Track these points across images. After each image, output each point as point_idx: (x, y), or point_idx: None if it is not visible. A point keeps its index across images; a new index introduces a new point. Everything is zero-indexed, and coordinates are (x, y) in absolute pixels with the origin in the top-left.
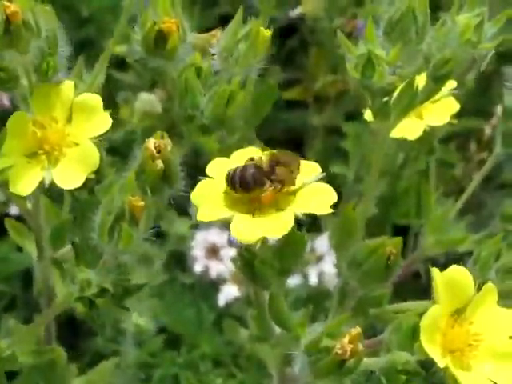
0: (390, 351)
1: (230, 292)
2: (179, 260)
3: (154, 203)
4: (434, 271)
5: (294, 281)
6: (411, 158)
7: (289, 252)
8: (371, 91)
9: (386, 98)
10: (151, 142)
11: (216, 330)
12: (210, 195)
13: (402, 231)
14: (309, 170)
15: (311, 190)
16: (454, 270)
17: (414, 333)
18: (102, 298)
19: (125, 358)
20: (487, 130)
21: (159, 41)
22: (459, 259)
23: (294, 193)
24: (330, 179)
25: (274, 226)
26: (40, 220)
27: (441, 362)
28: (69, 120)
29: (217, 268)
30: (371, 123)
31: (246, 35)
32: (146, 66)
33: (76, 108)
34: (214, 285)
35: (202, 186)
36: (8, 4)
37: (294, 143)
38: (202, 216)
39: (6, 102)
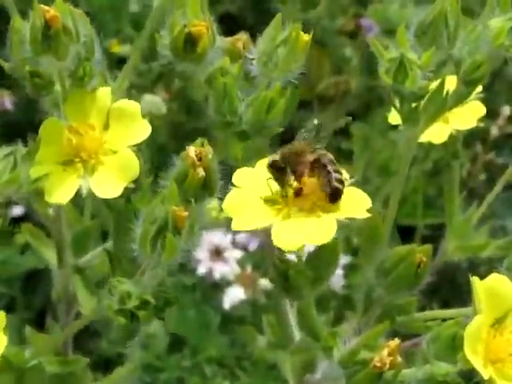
0: (427, 362)
1: (235, 295)
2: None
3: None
4: (475, 280)
5: None
6: (419, 158)
7: (323, 260)
8: (402, 96)
9: (416, 103)
10: (192, 150)
11: (220, 331)
12: (243, 204)
13: (405, 231)
14: None
15: (345, 195)
16: (495, 278)
17: (453, 343)
18: (144, 310)
19: (130, 360)
20: (493, 131)
21: (189, 44)
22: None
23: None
24: None
25: (317, 232)
26: (62, 226)
27: (485, 373)
28: (105, 127)
29: (221, 270)
30: (400, 128)
31: (285, 40)
32: (173, 70)
33: (113, 115)
34: (217, 286)
35: (233, 195)
36: (48, 8)
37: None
38: (238, 225)
39: (9, 105)
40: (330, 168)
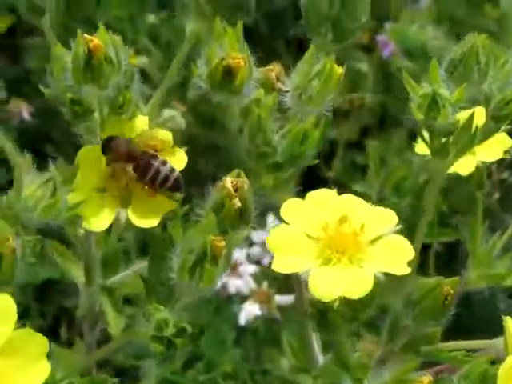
0: None
1: (251, 311)
2: None
3: None
4: (508, 320)
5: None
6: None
7: (362, 302)
8: (433, 130)
9: (446, 138)
10: (228, 182)
11: (234, 345)
12: (286, 241)
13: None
14: (384, 219)
15: (388, 244)
16: None
17: (484, 381)
18: (181, 338)
19: (146, 374)
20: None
21: (226, 76)
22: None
23: (371, 242)
24: None
25: (354, 285)
26: (91, 246)
27: None
28: None
29: (235, 284)
30: (429, 161)
31: (320, 72)
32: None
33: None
34: (231, 299)
35: (278, 231)
36: (91, 37)
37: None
38: (278, 266)
39: (27, 115)
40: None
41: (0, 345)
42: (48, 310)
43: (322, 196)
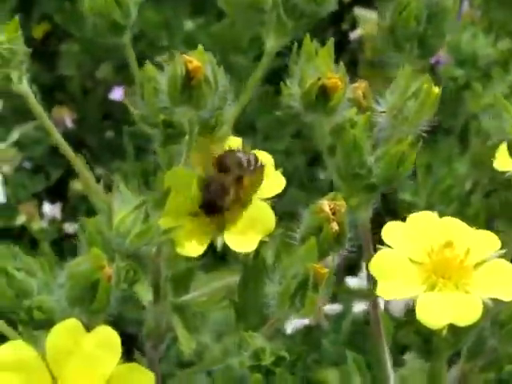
0: None
1: (299, 320)
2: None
3: None
4: None
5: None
6: (480, 184)
7: (466, 328)
8: None
9: None
10: (326, 205)
11: None
12: (389, 266)
13: None
14: (488, 243)
15: (493, 268)
16: None
17: None
18: (280, 367)
19: None
20: None
21: (321, 96)
22: None
23: (474, 266)
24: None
25: (463, 311)
26: (161, 264)
27: None
28: None
29: None
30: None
31: (416, 92)
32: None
33: None
34: None
35: (380, 256)
36: (190, 58)
37: None
38: (383, 292)
39: (69, 123)
40: None
41: (105, 380)
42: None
43: (423, 219)
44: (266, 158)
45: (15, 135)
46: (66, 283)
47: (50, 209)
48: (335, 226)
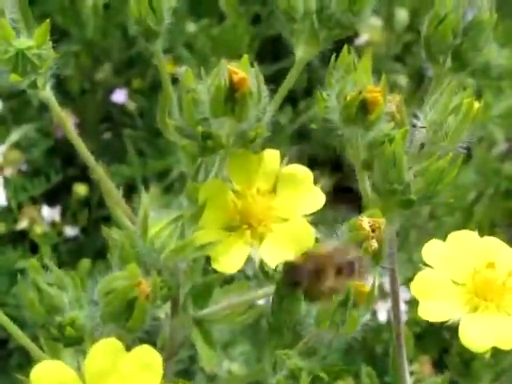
0: None
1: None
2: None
3: None
4: None
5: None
6: (484, 194)
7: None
8: None
9: None
10: (366, 222)
11: None
12: (431, 287)
13: None
14: None
15: None
16: None
17: None
18: None
19: None
20: None
21: (361, 111)
22: None
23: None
24: None
25: (505, 335)
26: (180, 276)
27: None
28: (273, 192)
29: None
30: None
31: (457, 108)
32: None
33: (282, 180)
34: None
35: (422, 276)
36: (236, 70)
37: None
38: (424, 312)
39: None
40: None
41: None
42: None
43: (464, 238)
44: (305, 172)
45: (14, 137)
46: (100, 300)
47: (49, 212)
48: (374, 244)
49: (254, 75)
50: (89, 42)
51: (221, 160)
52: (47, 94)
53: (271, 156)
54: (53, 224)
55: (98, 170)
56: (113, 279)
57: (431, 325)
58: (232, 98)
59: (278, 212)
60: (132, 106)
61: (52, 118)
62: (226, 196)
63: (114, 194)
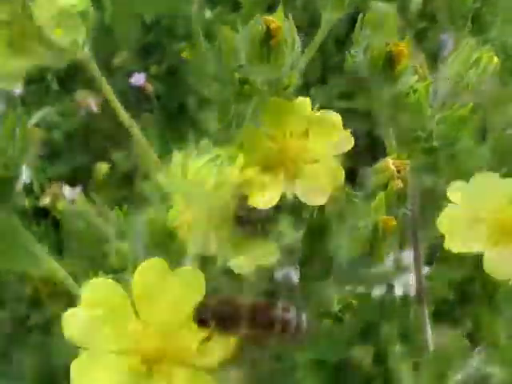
0: None
1: None
2: None
3: None
4: None
5: (378, 291)
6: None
7: None
8: None
9: None
10: (391, 162)
11: None
12: (456, 223)
13: None
14: None
15: None
16: None
17: None
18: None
19: None
20: None
21: (388, 64)
22: None
23: None
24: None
25: None
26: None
27: None
28: (305, 136)
29: None
30: None
31: (477, 61)
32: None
33: (313, 124)
34: None
35: (448, 212)
36: (272, 19)
37: None
38: (451, 245)
39: (94, 107)
40: None
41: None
42: None
43: (487, 179)
44: (334, 115)
45: (34, 120)
46: (143, 230)
47: (70, 192)
48: (400, 183)
49: (288, 26)
50: (106, 28)
51: (254, 109)
52: (87, 54)
53: (303, 103)
54: (72, 203)
55: (135, 131)
56: (155, 211)
57: None
58: (268, 46)
59: (310, 153)
60: (150, 88)
61: (74, 99)
62: (261, 140)
63: (149, 154)
